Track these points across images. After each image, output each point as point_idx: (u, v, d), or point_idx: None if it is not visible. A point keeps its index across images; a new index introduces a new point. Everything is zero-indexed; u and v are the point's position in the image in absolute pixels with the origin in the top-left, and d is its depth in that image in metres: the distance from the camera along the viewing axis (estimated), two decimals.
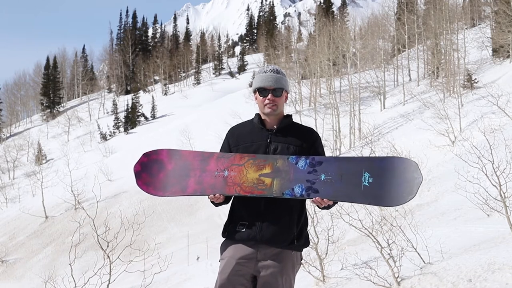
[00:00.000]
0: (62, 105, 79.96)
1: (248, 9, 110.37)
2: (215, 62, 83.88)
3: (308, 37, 65.54)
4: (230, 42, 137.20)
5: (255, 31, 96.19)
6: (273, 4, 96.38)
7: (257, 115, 3.08)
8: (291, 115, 3.10)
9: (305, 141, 2.99)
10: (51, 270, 13.29)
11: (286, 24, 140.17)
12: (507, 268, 6.62)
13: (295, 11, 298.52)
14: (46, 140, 64.86)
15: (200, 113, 56.63)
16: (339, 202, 2.90)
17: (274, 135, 3.00)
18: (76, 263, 7.18)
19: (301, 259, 3.06)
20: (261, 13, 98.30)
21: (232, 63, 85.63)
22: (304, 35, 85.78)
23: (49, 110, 76.83)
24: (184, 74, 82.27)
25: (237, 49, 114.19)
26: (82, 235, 10.69)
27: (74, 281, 7.00)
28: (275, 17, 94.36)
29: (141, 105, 65.27)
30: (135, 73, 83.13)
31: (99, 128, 61.93)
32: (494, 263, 6.96)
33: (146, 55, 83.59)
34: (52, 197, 39.42)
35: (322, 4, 68.15)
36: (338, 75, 45.26)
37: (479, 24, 49.79)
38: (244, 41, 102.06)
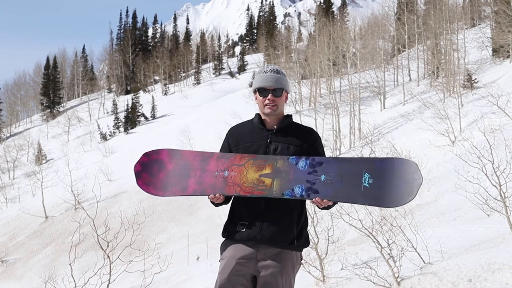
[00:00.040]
0: (62, 105, 79.95)
1: (248, 9, 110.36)
2: (215, 62, 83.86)
3: (308, 37, 65.54)
4: (230, 42, 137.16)
5: (255, 31, 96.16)
6: (273, 4, 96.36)
7: (257, 115, 3.09)
8: (291, 115, 3.10)
9: (305, 141, 2.99)
10: (51, 270, 13.29)
11: (286, 24, 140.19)
12: (507, 268, 6.62)
13: (295, 11, 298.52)
14: (46, 140, 64.85)
15: (200, 113, 56.61)
16: (339, 202, 2.90)
17: (274, 135, 3.00)
18: (76, 263, 7.18)
19: (301, 259, 3.06)
20: (261, 13, 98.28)
21: (232, 63, 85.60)
22: (304, 35, 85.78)
23: (49, 110, 76.83)
24: (184, 74, 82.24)
25: (237, 49, 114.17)
26: (82, 235, 10.69)
27: (74, 281, 7.00)
28: (275, 17, 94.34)
29: (141, 105, 65.25)
30: (135, 73, 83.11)
31: (99, 128, 61.92)
32: (494, 263, 6.96)
33: (146, 55, 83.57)
34: (52, 197, 39.41)
35: (322, 4, 68.14)
36: (338, 75, 45.25)
37: (479, 24, 49.77)
38: (244, 41, 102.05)
